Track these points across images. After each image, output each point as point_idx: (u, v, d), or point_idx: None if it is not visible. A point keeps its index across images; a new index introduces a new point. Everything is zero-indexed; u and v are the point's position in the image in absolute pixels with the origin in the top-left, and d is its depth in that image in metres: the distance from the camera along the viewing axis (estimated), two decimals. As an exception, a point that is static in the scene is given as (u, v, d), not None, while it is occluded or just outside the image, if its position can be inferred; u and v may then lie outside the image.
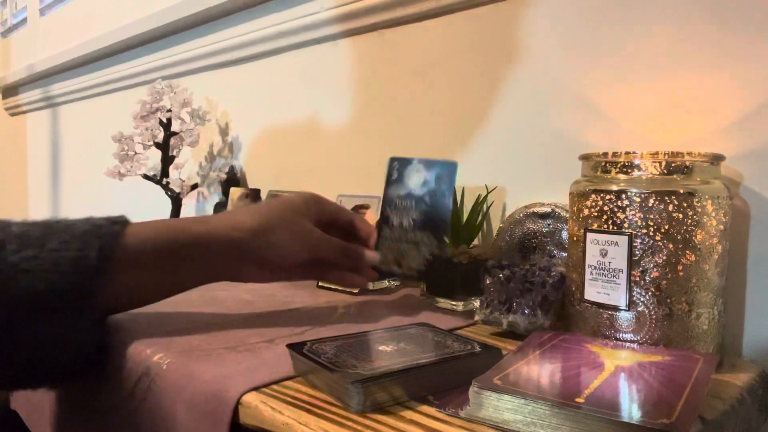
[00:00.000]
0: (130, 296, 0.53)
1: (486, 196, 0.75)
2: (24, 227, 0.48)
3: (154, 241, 0.52)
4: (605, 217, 0.50)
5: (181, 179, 1.21)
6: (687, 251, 0.47)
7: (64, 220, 0.51)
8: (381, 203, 0.64)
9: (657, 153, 0.49)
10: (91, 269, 0.47)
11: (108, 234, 0.49)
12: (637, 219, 0.48)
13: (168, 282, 0.55)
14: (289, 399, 0.39)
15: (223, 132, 1.26)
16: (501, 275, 0.57)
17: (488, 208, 0.76)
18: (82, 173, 1.84)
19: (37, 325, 0.45)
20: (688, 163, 0.48)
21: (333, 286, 0.72)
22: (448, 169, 0.61)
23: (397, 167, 0.63)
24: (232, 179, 1.16)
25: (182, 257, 0.53)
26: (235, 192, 1.03)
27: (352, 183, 0.97)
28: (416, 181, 0.62)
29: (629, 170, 0.50)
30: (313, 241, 0.58)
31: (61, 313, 0.46)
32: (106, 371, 0.50)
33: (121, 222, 0.51)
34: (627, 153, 0.50)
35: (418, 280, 0.59)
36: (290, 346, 0.44)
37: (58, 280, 0.45)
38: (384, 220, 0.63)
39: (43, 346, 0.46)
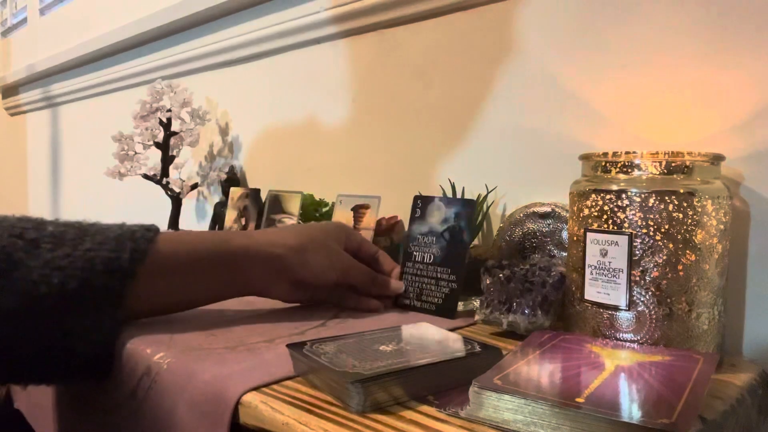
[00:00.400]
0: (159, 301, 0.54)
1: (486, 196, 0.75)
2: (59, 227, 0.50)
3: (191, 249, 0.54)
4: (605, 216, 0.50)
5: (181, 179, 1.21)
6: (687, 251, 0.47)
7: (98, 223, 0.53)
8: (406, 239, 0.67)
9: (657, 153, 0.49)
10: (123, 271, 0.48)
11: (141, 239, 0.51)
12: (637, 219, 0.48)
13: (198, 291, 0.56)
14: (289, 399, 0.39)
15: (223, 132, 1.26)
16: (501, 275, 0.57)
17: (488, 208, 0.76)
18: (82, 173, 1.84)
19: (64, 320, 0.46)
20: (688, 163, 0.48)
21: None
22: (467, 206, 0.63)
23: (420, 205, 0.67)
24: (232, 179, 1.16)
25: (221, 267, 0.55)
26: (235, 192, 1.03)
27: (352, 183, 0.97)
28: (437, 218, 0.65)
29: (629, 170, 0.50)
30: (344, 264, 0.62)
31: (90, 312, 0.47)
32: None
33: (153, 229, 0.53)
34: (627, 153, 0.50)
35: (436, 313, 0.61)
36: (290, 346, 0.44)
37: (89, 279, 0.47)
38: (408, 256, 0.66)
39: (67, 341, 0.47)
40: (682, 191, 0.47)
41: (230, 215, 1.01)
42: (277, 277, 0.58)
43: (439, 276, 0.63)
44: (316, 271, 0.59)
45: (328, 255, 0.60)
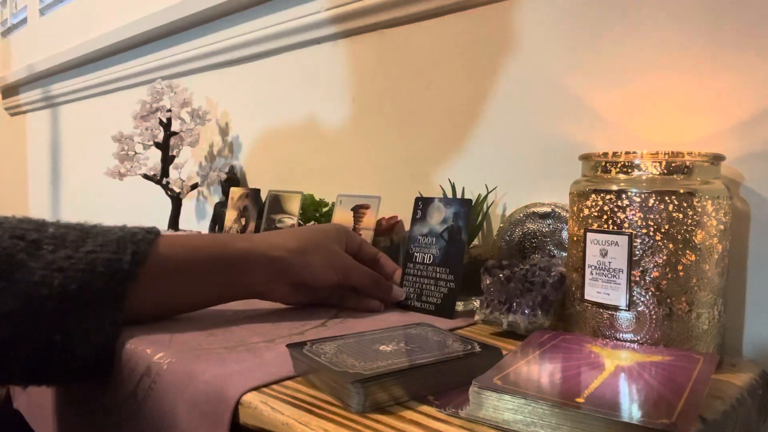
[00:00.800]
0: (159, 304, 0.54)
1: (486, 196, 0.75)
2: (60, 229, 0.50)
3: (192, 252, 0.54)
4: (605, 217, 0.50)
5: (181, 179, 1.21)
6: (687, 251, 0.47)
7: (100, 225, 0.53)
8: (408, 240, 0.68)
9: (657, 153, 0.49)
10: (123, 273, 0.49)
11: (142, 241, 0.51)
12: (637, 219, 0.48)
13: (199, 294, 0.56)
14: (289, 399, 0.39)
15: (223, 132, 1.26)
16: (501, 275, 0.57)
17: (488, 208, 0.76)
18: (82, 173, 1.84)
19: (64, 322, 0.46)
20: (688, 163, 0.48)
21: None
22: (464, 206, 0.64)
23: (421, 206, 0.67)
24: (232, 179, 1.16)
25: (222, 270, 0.55)
26: (235, 192, 1.03)
27: (352, 183, 0.97)
28: (437, 218, 0.66)
29: (629, 170, 0.50)
30: (345, 266, 0.62)
31: (90, 313, 0.47)
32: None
33: (154, 232, 0.53)
34: (627, 153, 0.50)
35: (435, 313, 0.62)
36: (290, 346, 0.44)
37: (90, 281, 0.47)
38: (408, 257, 0.66)
39: (67, 343, 0.47)
40: (682, 191, 0.47)
41: (230, 215, 1.01)
42: (278, 280, 0.58)
43: (438, 276, 0.63)
44: (317, 272, 0.59)
45: (328, 257, 0.60)
